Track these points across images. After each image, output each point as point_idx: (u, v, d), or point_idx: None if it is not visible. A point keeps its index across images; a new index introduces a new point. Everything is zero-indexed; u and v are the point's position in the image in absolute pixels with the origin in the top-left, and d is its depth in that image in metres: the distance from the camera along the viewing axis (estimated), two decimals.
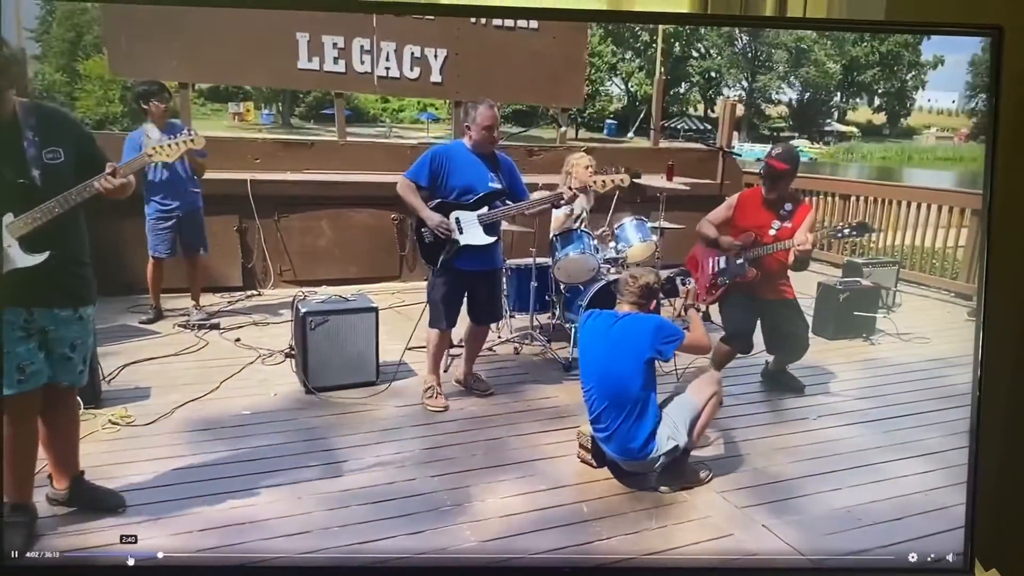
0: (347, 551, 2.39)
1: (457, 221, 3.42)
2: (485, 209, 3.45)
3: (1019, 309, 2.81)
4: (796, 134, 10.44)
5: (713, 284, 3.62)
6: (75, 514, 2.53)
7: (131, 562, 2.39)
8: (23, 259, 2.23)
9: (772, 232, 3.51)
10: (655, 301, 2.93)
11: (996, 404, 2.66)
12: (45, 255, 2.25)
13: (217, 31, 5.14)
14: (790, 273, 3.60)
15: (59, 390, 2.40)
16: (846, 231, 3.53)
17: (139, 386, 3.44)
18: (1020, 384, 2.85)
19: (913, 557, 2.47)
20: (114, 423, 3.07)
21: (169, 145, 2.46)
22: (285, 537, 2.44)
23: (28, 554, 2.36)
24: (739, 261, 3.52)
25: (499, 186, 3.47)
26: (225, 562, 2.41)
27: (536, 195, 3.57)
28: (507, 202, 3.51)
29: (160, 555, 2.40)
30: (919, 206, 5.50)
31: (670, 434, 2.80)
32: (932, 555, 2.46)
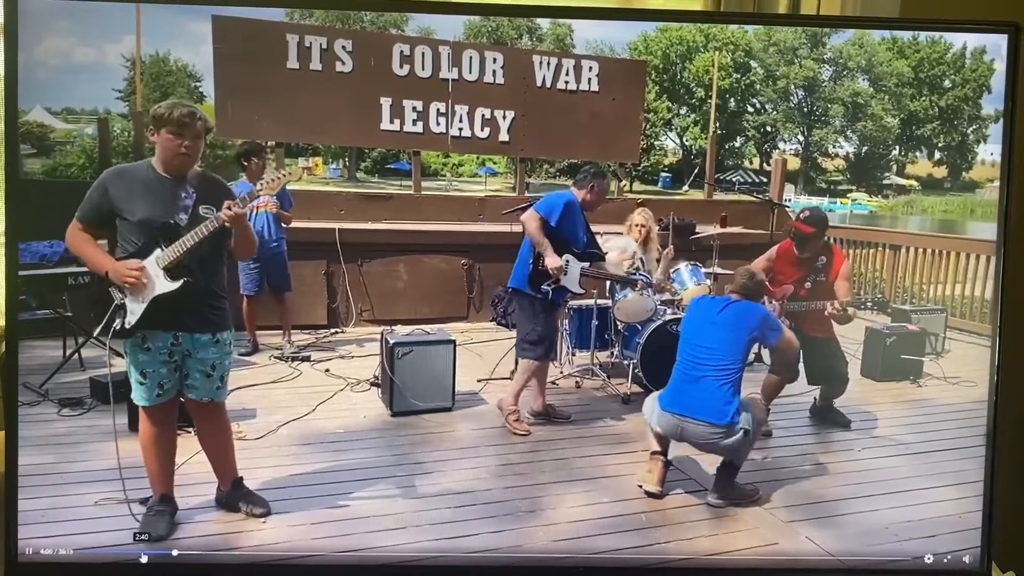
0: (436, 547, 2.75)
1: (567, 262, 3.83)
2: (587, 264, 3.90)
3: None
4: (854, 187, 10.61)
5: None
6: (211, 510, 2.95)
7: (144, 559, 2.61)
8: (164, 286, 2.66)
9: (808, 285, 3.82)
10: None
11: (1014, 407, 2.78)
12: (181, 282, 2.67)
13: (310, 97, 5.77)
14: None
15: (204, 405, 2.85)
16: (868, 304, 3.83)
17: (246, 407, 3.90)
18: None
19: (929, 558, 2.61)
20: None
21: (273, 179, 2.82)
22: (385, 532, 2.81)
23: (43, 551, 2.58)
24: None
25: (588, 241, 3.93)
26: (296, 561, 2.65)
27: (619, 272, 4.14)
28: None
29: (175, 552, 2.63)
30: (978, 257, 5.62)
31: (746, 419, 3.13)
32: (948, 556, 2.60)
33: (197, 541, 2.77)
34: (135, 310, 2.66)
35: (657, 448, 3.28)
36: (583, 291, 3.96)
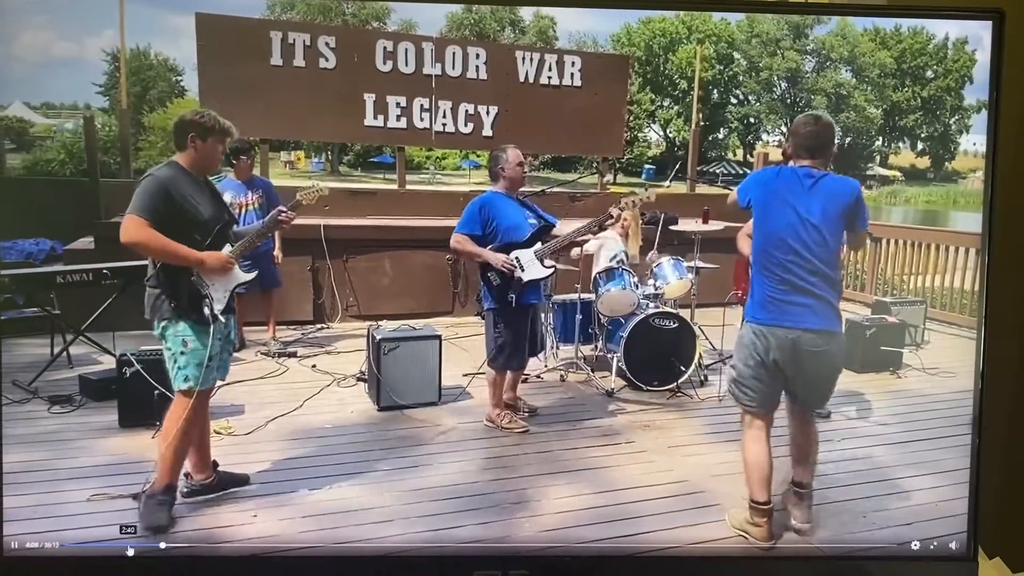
0: (424, 539, 2.80)
1: (517, 259, 3.71)
2: (539, 244, 3.76)
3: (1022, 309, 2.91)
4: None
5: None
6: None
7: (131, 552, 2.59)
8: (241, 276, 2.92)
9: None
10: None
11: (1001, 397, 2.78)
12: (255, 273, 2.98)
13: (295, 93, 5.78)
14: None
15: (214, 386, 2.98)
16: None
17: (234, 403, 3.93)
18: None
19: (916, 545, 2.61)
20: (218, 432, 3.53)
21: (312, 191, 3.32)
22: (373, 524, 2.86)
23: (29, 544, 2.56)
24: None
25: (535, 221, 3.80)
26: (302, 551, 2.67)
27: (584, 223, 3.83)
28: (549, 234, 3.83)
29: (162, 545, 2.62)
30: (957, 249, 5.75)
31: None
32: (935, 543, 2.60)
33: (184, 534, 2.79)
34: (220, 298, 2.84)
35: (762, 498, 2.83)
36: (554, 267, 3.81)
